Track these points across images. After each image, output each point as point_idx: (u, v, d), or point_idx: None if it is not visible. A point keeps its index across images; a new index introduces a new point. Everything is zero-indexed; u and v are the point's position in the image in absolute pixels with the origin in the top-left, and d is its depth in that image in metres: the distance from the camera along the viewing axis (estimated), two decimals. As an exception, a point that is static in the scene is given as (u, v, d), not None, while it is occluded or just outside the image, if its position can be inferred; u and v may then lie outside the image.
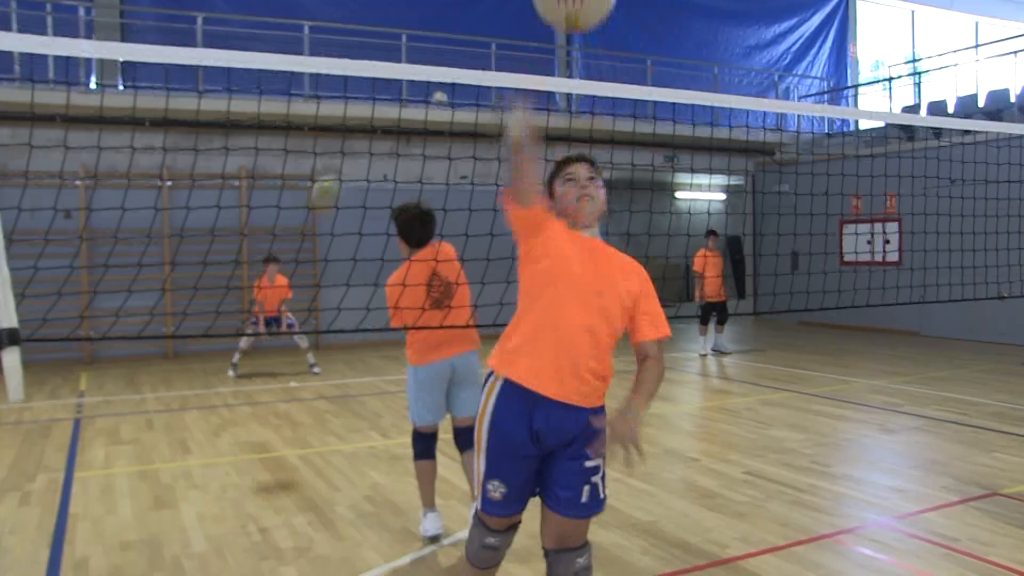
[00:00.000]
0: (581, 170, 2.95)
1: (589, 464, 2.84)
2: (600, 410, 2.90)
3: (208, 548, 4.55)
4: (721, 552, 4.39)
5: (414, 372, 4.52)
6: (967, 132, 11.32)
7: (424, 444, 4.60)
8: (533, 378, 2.78)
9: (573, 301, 2.79)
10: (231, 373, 10.73)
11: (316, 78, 11.02)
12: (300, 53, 12.87)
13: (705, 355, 12.35)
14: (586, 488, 2.84)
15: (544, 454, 2.85)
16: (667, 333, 2.95)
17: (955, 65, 17.39)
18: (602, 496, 2.90)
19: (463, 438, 4.65)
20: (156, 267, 11.02)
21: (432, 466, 4.62)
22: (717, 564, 4.23)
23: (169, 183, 12.36)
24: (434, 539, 4.56)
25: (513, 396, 2.81)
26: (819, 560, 4.26)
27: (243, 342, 10.83)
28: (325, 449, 6.80)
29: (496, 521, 2.92)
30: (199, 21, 12.72)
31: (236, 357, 10.78)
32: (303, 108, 11.63)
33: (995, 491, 5.38)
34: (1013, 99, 14.86)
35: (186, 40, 12.58)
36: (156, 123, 11.80)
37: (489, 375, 2.93)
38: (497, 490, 2.84)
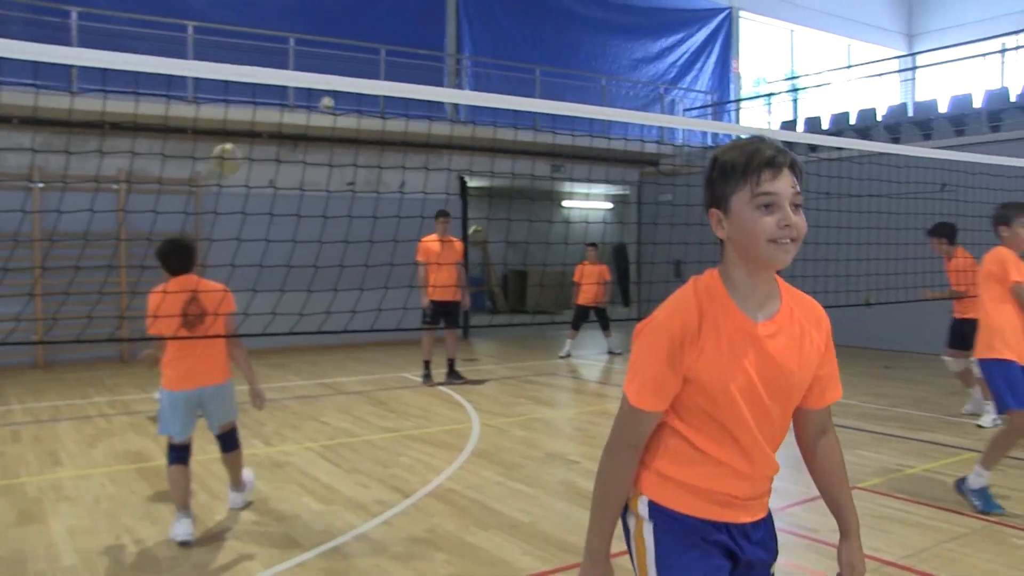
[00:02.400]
0: (785, 186, 1.85)
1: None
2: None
3: (78, 562, 4.39)
4: (598, 551, 4.50)
5: (168, 395, 4.81)
6: (839, 148, 11.93)
7: (179, 453, 4.84)
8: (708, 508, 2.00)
9: (746, 422, 1.95)
10: None
11: (197, 80, 10.78)
12: (184, 54, 12.54)
13: (566, 358, 12.67)
14: None
15: None
16: (840, 394, 2.12)
17: (829, 84, 18.30)
18: None
19: (225, 441, 5.13)
20: (25, 271, 10.60)
21: (184, 472, 4.85)
22: (594, 562, 4.34)
23: (41, 184, 11.83)
24: (184, 544, 4.64)
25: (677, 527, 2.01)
26: (691, 556, 4.42)
27: None
28: (205, 458, 6.62)
29: None
30: (73, 15, 12.23)
31: None
32: (183, 111, 11.32)
33: (855, 485, 5.69)
34: (879, 118, 15.72)
35: (59, 35, 12.05)
36: (25, 121, 11.31)
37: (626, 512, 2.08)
38: None
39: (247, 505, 5.33)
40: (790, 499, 5.45)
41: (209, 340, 4.80)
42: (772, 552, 2.09)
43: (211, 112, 10.42)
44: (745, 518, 2.01)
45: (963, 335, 7.68)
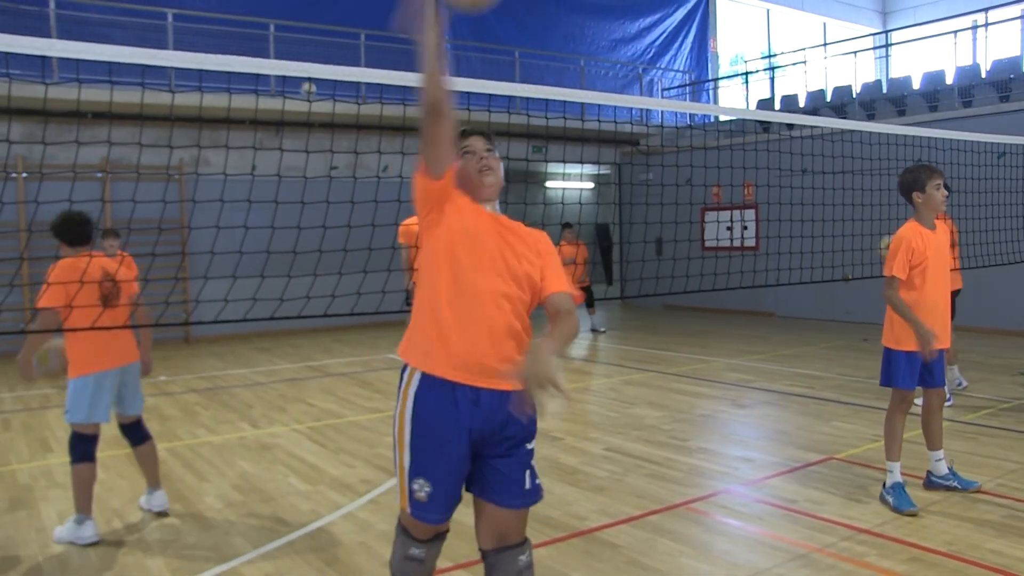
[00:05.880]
0: (478, 143, 2.86)
1: (529, 447, 2.75)
2: None
3: (68, 547, 4.47)
4: (580, 524, 4.62)
5: (90, 378, 4.54)
6: (815, 126, 12.06)
7: (87, 447, 4.61)
8: (452, 369, 2.61)
9: (484, 267, 2.67)
10: None
11: (173, 69, 10.74)
12: (163, 42, 12.49)
13: None
14: (527, 473, 2.73)
15: (477, 449, 2.69)
16: (576, 292, 2.84)
17: (805, 62, 18.39)
18: (538, 482, 2.78)
19: (133, 434, 4.91)
20: (11, 262, 10.59)
21: (94, 470, 4.62)
22: (576, 535, 4.46)
23: (25, 175, 11.82)
24: (91, 545, 4.50)
25: (435, 390, 2.63)
26: (671, 527, 4.55)
27: None
28: (194, 441, 6.72)
29: (421, 528, 2.75)
30: (51, 4, 12.13)
31: None
32: (158, 98, 11.30)
33: (831, 455, 5.84)
34: (854, 95, 15.85)
35: (36, 24, 11.98)
36: (1, 111, 11.25)
37: (404, 368, 2.74)
38: (423, 489, 2.63)
39: (166, 513, 4.96)
40: (768, 470, 5.59)
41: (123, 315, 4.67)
42: (508, 422, 2.64)
43: (186, 99, 10.42)
44: (477, 382, 2.61)
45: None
